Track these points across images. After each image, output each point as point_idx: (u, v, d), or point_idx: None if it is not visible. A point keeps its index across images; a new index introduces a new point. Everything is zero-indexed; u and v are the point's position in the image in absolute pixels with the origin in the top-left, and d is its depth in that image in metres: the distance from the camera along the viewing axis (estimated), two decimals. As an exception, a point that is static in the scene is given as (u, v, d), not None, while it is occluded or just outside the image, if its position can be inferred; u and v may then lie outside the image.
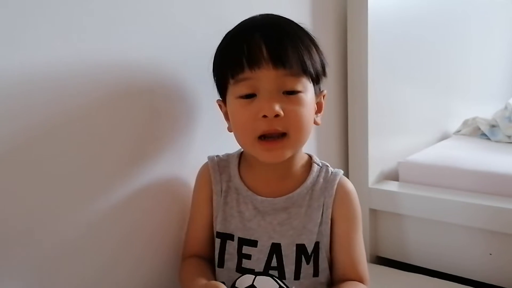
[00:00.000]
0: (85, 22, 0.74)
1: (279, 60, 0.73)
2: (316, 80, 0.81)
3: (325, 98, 0.87)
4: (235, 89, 0.78)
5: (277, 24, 0.79)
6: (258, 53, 0.73)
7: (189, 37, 0.91)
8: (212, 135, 0.95)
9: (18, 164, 0.69)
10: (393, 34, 1.45)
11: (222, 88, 0.82)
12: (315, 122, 0.84)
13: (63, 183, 0.74)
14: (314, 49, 0.79)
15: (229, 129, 0.85)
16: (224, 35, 0.83)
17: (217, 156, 0.91)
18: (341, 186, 0.85)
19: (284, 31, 0.77)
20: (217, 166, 0.88)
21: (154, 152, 0.88)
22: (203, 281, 0.78)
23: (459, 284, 1.28)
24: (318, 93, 0.85)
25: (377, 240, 1.46)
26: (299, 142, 0.81)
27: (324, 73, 0.83)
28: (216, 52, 0.83)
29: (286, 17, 0.83)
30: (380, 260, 1.46)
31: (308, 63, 0.77)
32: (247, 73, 0.75)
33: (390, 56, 1.44)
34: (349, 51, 1.37)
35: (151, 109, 0.86)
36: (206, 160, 0.91)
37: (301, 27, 0.82)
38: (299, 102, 0.77)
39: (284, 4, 1.16)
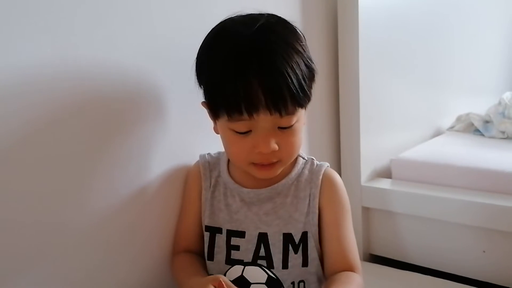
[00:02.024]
0: (69, 23, 0.74)
1: (276, 109, 0.73)
2: (310, 100, 0.81)
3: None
4: (230, 124, 0.77)
5: (274, 57, 0.73)
6: (257, 101, 0.72)
7: (176, 37, 0.90)
8: (204, 134, 0.94)
9: (16, 164, 0.70)
10: (385, 31, 1.44)
11: (213, 112, 0.80)
12: None
13: (65, 182, 0.76)
14: (307, 70, 0.76)
15: (216, 130, 0.85)
16: (211, 36, 0.80)
17: (209, 154, 0.94)
18: (326, 176, 0.87)
19: (281, 68, 0.72)
20: (207, 164, 0.92)
21: (148, 151, 0.88)
22: (200, 278, 0.78)
23: (452, 282, 1.28)
24: None
25: (369, 238, 1.46)
26: (290, 161, 0.84)
27: (314, 81, 0.81)
28: (203, 65, 0.80)
29: (275, 18, 0.80)
30: (373, 258, 1.46)
31: (307, 96, 0.76)
32: (244, 117, 0.74)
33: (381, 52, 1.43)
34: (340, 48, 1.36)
35: (146, 108, 0.87)
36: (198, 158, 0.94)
37: (293, 38, 0.77)
38: (292, 134, 0.79)
39: (274, 1, 1.14)
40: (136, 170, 0.86)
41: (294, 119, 0.77)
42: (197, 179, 0.91)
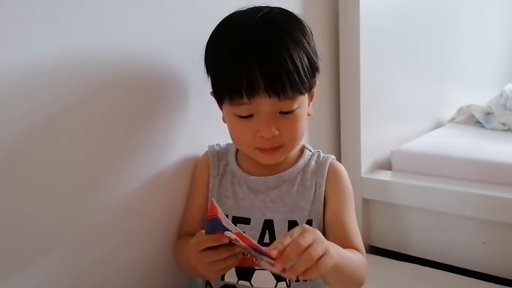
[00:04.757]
0: (71, 15, 0.74)
1: (275, 93, 0.76)
2: (311, 87, 0.84)
3: (317, 85, 0.88)
4: (233, 108, 0.80)
5: (274, 43, 0.76)
6: (256, 85, 0.75)
7: (180, 25, 0.91)
8: (211, 125, 0.97)
9: (44, 148, 0.73)
10: (385, 22, 1.43)
11: (218, 97, 0.83)
12: (308, 114, 0.87)
13: (87, 171, 0.79)
14: (307, 58, 0.78)
15: (224, 120, 0.88)
16: (217, 27, 0.83)
17: (218, 144, 0.96)
18: (332, 167, 0.90)
19: (280, 54, 0.75)
20: (216, 153, 0.94)
21: (156, 143, 0.90)
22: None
23: (452, 273, 1.28)
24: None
25: (369, 229, 1.46)
26: (294, 148, 0.87)
27: (318, 71, 0.84)
28: (210, 54, 0.83)
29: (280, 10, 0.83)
30: (373, 250, 1.46)
31: (305, 82, 0.78)
32: (245, 101, 0.77)
33: (383, 43, 1.42)
34: (341, 39, 1.35)
35: (153, 99, 0.88)
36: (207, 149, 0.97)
37: (295, 27, 0.80)
38: (295, 119, 0.81)
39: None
40: (149, 161, 0.89)
41: (295, 104, 0.79)
42: (206, 167, 0.93)
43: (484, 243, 1.28)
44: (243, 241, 0.67)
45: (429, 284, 1.24)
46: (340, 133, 1.42)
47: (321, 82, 1.32)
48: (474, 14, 1.99)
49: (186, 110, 0.94)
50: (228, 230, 0.67)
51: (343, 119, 1.41)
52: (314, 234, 0.67)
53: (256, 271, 0.84)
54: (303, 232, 0.66)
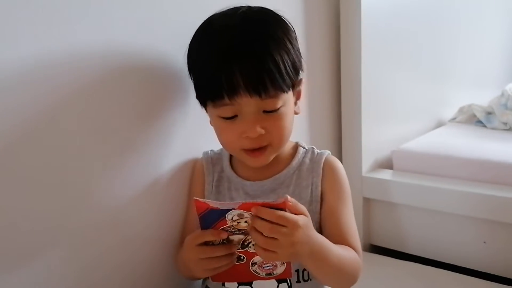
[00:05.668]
0: (71, 11, 0.74)
1: (256, 92, 0.75)
2: (294, 85, 0.83)
3: (303, 84, 0.87)
4: (217, 110, 0.80)
5: (253, 42, 0.76)
6: (237, 86, 0.75)
7: (181, 25, 0.89)
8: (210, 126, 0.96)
9: (38, 150, 0.72)
10: (387, 21, 1.43)
11: (201, 100, 0.83)
12: (295, 113, 0.86)
13: (86, 171, 0.79)
14: (287, 55, 0.78)
15: (211, 123, 0.87)
16: (197, 31, 0.83)
17: (211, 150, 0.96)
18: (327, 163, 0.88)
19: (259, 52, 0.75)
20: (210, 159, 0.94)
21: (154, 143, 0.89)
22: None
23: (453, 272, 1.29)
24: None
25: (370, 228, 1.46)
26: (282, 147, 0.86)
27: (301, 69, 0.83)
28: (191, 58, 0.83)
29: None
30: (374, 249, 1.47)
31: (287, 80, 0.78)
32: (227, 101, 0.77)
33: (383, 43, 1.42)
34: (342, 39, 1.36)
35: (152, 97, 0.88)
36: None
37: (275, 25, 0.80)
38: (279, 118, 0.80)
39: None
40: (152, 160, 0.88)
41: (279, 102, 0.79)
42: (200, 174, 0.93)
43: (484, 242, 1.28)
44: (248, 210, 0.67)
45: (429, 283, 1.25)
46: (341, 132, 1.42)
47: (322, 81, 1.34)
48: (475, 13, 1.99)
49: (185, 111, 0.93)
50: (229, 210, 0.67)
51: (344, 119, 1.41)
52: (303, 226, 0.69)
53: None
54: (295, 224, 0.68)
